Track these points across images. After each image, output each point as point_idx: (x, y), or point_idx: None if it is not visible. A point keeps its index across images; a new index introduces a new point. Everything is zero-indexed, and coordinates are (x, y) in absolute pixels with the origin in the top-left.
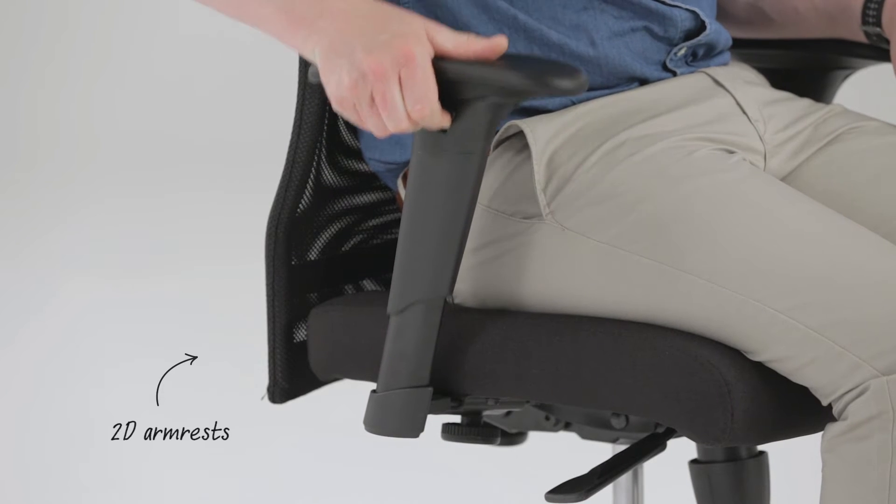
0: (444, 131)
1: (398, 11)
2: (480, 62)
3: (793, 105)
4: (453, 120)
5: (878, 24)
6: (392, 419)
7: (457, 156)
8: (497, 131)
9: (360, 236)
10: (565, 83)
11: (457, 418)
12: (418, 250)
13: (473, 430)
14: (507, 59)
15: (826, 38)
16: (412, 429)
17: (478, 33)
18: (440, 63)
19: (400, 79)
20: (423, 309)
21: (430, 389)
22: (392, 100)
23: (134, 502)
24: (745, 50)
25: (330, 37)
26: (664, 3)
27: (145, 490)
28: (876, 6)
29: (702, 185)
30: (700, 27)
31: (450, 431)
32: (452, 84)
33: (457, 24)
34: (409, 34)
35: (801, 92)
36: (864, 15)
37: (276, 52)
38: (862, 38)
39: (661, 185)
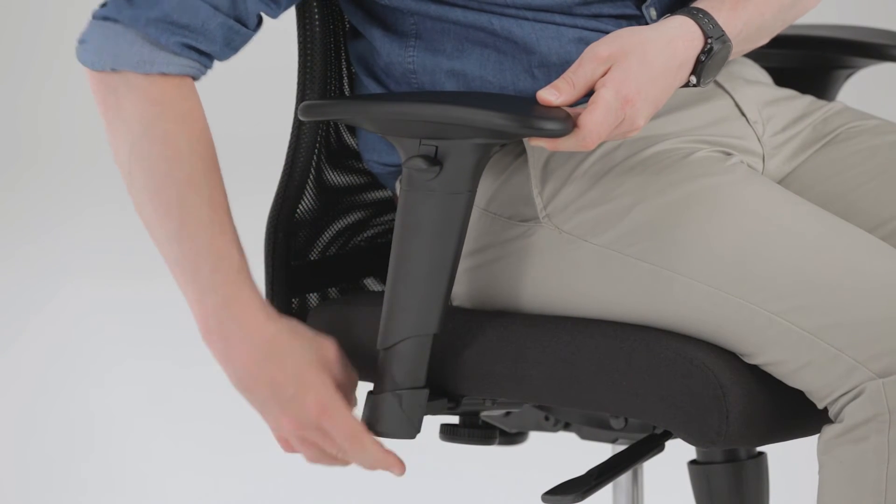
0: (432, 172)
1: (288, 341)
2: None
3: (793, 104)
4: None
5: None
6: (389, 420)
7: (445, 196)
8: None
9: (361, 236)
10: (551, 125)
11: (454, 419)
12: (406, 289)
13: (471, 430)
14: (495, 100)
15: (828, 37)
16: (409, 430)
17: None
18: None
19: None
20: (412, 344)
21: (427, 390)
22: (323, 451)
23: (134, 502)
24: None
25: (238, 374)
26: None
27: (146, 490)
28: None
29: (699, 188)
30: None
31: (447, 432)
32: (439, 125)
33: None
34: (315, 383)
35: (803, 91)
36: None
37: (275, 52)
38: None
39: (657, 188)
